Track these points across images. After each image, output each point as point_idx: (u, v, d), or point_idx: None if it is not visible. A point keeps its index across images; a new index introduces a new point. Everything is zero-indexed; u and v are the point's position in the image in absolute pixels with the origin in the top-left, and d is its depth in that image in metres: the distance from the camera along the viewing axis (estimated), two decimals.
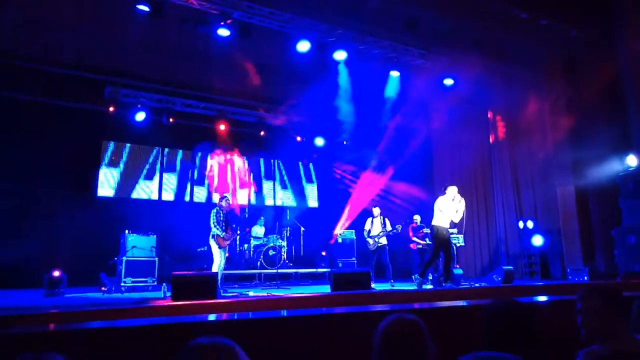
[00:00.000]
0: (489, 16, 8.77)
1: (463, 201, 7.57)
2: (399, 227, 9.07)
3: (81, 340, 2.62)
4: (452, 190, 7.60)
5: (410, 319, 1.66)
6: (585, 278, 8.41)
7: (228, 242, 7.62)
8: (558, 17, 9.07)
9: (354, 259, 11.04)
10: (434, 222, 7.54)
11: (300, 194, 13.16)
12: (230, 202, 8.08)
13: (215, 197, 11.61)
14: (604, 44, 9.26)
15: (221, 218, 7.61)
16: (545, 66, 9.98)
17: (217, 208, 7.72)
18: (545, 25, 9.10)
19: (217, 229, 7.49)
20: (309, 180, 13.38)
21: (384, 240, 8.97)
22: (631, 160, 8.77)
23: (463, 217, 7.66)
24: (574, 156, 9.41)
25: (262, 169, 12.86)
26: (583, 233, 9.41)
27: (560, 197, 9.68)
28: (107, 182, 10.64)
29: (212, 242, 7.52)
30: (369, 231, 9.12)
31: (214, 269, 7.38)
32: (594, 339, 2.05)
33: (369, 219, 9.22)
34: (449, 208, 7.50)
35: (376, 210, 9.29)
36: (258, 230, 10.90)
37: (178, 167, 11.69)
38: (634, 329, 2.18)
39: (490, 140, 11.38)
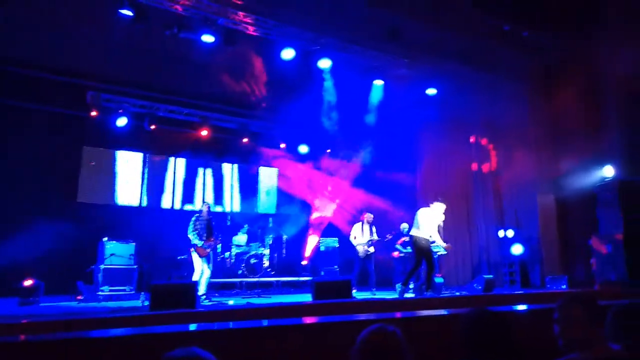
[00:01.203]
0: (472, 27, 8.91)
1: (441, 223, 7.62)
2: (389, 236, 9.05)
3: (54, 352, 2.54)
4: (438, 207, 7.60)
5: (389, 331, 1.66)
6: (564, 286, 8.52)
7: (208, 250, 7.48)
8: (539, 28, 9.25)
9: (336, 267, 11.00)
10: (412, 232, 7.56)
11: (283, 202, 13.11)
12: (211, 208, 7.98)
13: (198, 204, 11.51)
14: (584, 57, 9.46)
15: (199, 226, 7.48)
16: (527, 77, 10.14)
17: (196, 215, 7.62)
18: (526, 37, 9.27)
19: (195, 237, 7.37)
20: (292, 188, 13.32)
21: (372, 248, 8.94)
22: (608, 171, 8.96)
23: (440, 229, 7.71)
24: (554, 166, 9.56)
25: (244, 176, 12.78)
26: (562, 242, 9.55)
27: (540, 206, 9.81)
28: (87, 188, 10.45)
29: (193, 251, 7.42)
30: (355, 237, 9.03)
31: (195, 277, 7.27)
32: (571, 348, 2.06)
33: (358, 225, 9.11)
34: (430, 221, 7.51)
35: (369, 216, 9.17)
36: (240, 238, 10.81)
37: (159, 174, 11.54)
38: (609, 338, 2.21)
39: (473, 149, 11.49)
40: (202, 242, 7.39)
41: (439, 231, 7.66)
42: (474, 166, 11.36)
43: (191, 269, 7.68)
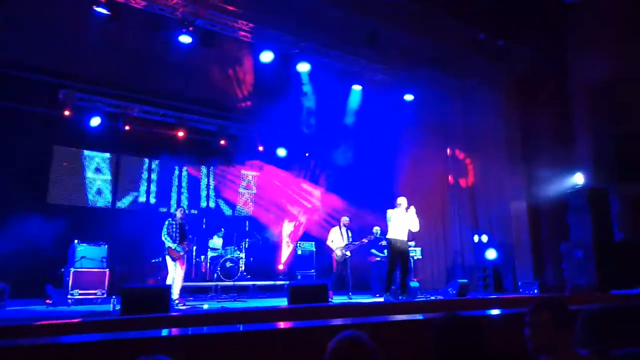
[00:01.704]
0: (447, 35, 9.04)
1: (413, 208, 7.62)
2: (365, 240, 9.05)
3: (19, 358, 2.45)
4: (401, 201, 7.67)
5: (359, 337, 1.66)
6: (536, 291, 8.69)
7: (182, 253, 7.40)
8: (513, 38, 9.46)
9: (313, 271, 10.97)
10: (388, 235, 7.60)
11: (259, 205, 13.02)
12: (186, 211, 7.91)
13: (173, 206, 11.34)
14: (556, 67, 9.72)
15: (173, 229, 7.43)
16: (501, 85, 10.33)
17: (170, 219, 7.56)
18: (501, 46, 9.46)
19: (168, 240, 7.32)
20: (270, 192, 13.25)
21: (348, 252, 8.95)
22: (578, 179, 9.20)
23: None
24: (526, 173, 9.76)
25: (221, 178, 12.65)
26: (534, 247, 9.74)
27: (514, 212, 10.00)
28: (58, 189, 10.18)
29: (166, 254, 7.35)
30: (333, 241, 9.01)
31: (168, 281, 7.18)
32: (539, 352, 2.10)
33: (335, 229, 9.09)
34: (401, 219, 7.56)
35: (345, 220, 9.17)
36: (216, 241, 10.69)
37: (133, 175, 11.32)
38: (579, 343, 2.25)
39: (449, 161, 11.61)
40: (175, 244, 7.32)
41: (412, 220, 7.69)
42: (451, 179, 11.50)
43: (165, 273, 7.57)
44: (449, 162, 11.65)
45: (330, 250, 8.97)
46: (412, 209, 7.60)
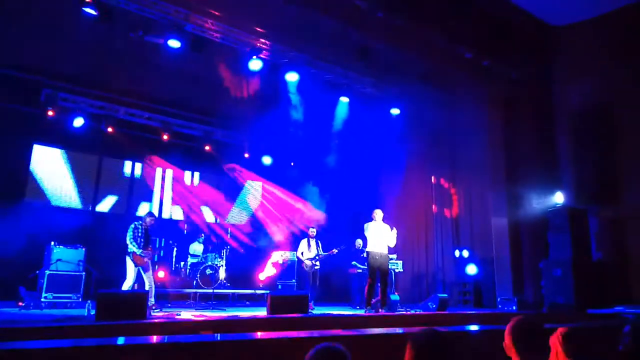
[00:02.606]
0: (437, 51, 9.15)
1: (395, 230, 7.68)
2: (335, 250, 9.06)
3: None
4: (377, 213, 7.70)
5: (337, 350, 1.65)
6: (514, 308, 8.74)
7: (145, 259, 7.22)
8: (500, 58, 9.61)
9: (293, 281, 10.89)
10: (367, 248, 7.62)
11: (242, 212, 12.93)
12: (155, 218, 7.71)
13: (155, 211, 11.17)
14: (541, 89, 9.91)
15: (139, 234, 7.23)
16: (487, 104, 10.48)
17: (136, 223, 7.35)
18: (487, 66, 9.61)
19: (133, 245, 7.13)
20: (253, 199, 13.18)
21: (318, 263, 8.98)
22: (559, 198, 9.35)
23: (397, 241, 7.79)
24: (508, 191, 9.89)
25: (204, 183, 12.54)
26: (514, 264, 9.84)
27: (495, 229, 10.09)
28: (37, 189, 9.97)
29: (128, 259, 7.16)
30: (303, 253, 9.03)
31: (125, 286, 6.99)
32: None
33: (304, 241, 9.13)
34: (378, 232, 7.59)
35: (312, 231, 9.21)
36: (196, 247, 10.56)
37: (115, 177, 11.15)
38: None
39: (433, 180, 11.72)
40: (140, 250, 7.15)
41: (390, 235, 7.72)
42: (434, 208, 11.58)
43: (142, 279, 7.39)
44: (432, 180, 11.72)
45: (301, 262, 9.01)
46: (389, 227, 7.66)
